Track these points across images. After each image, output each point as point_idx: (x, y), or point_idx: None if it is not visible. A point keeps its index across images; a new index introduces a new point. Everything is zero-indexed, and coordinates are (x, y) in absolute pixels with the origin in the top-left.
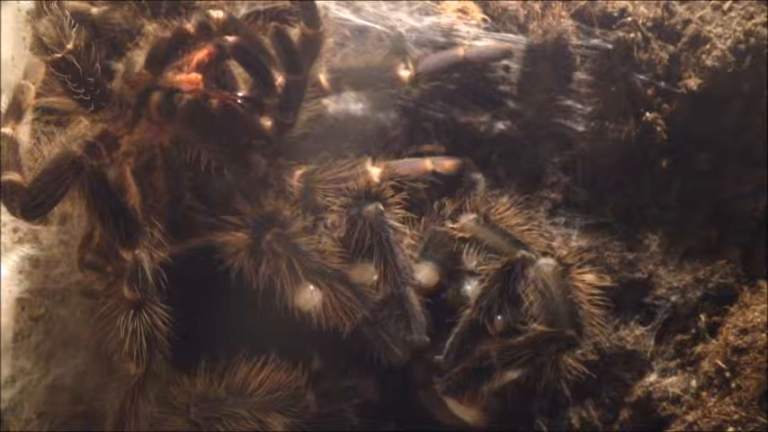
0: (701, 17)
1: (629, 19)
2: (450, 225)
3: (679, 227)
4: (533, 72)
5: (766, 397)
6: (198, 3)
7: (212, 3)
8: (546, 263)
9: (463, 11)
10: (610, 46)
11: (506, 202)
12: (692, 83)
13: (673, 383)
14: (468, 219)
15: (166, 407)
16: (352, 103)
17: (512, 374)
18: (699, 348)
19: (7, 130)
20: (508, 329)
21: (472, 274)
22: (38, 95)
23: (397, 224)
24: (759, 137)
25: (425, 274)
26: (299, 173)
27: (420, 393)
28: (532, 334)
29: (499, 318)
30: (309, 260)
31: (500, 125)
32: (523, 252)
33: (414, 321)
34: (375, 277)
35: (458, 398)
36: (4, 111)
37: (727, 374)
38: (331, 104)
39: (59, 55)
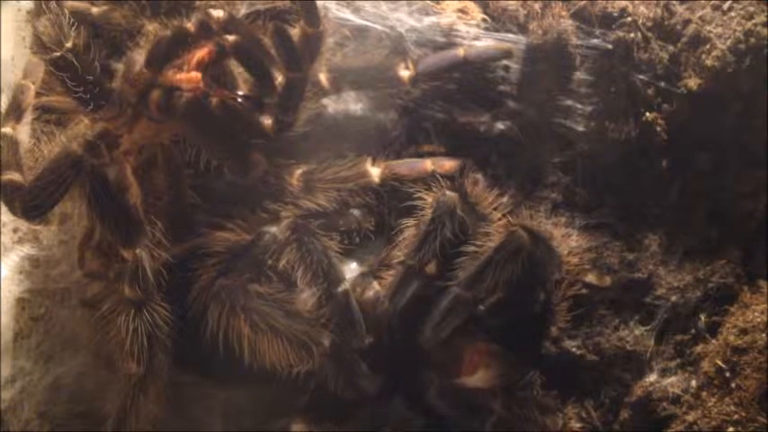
0: (700, 17)
1: (629, 19)
2: None
3: (679, 227)
4: (533, 72)
5: (766, 397)
6: (198, 3)
7: (212, 2)
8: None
9: (463, 11)
10: (610, 46)
11: None
12: (692, 83)
13: (673, 383)
14: None
15: None
16: (352, 103)
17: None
18: (699, 348)
19: (7, 129)
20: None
21: None
22: (38, 95)
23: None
24: (759, 137)
25: None
26: (298, 172)
27: (431, 396)
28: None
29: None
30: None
31: (500, 125)
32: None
33: (354, 324)
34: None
35: (460, 371)
36: (4, 111)
37: (727, 374)
38: (331, 104)
39: (58, 53)
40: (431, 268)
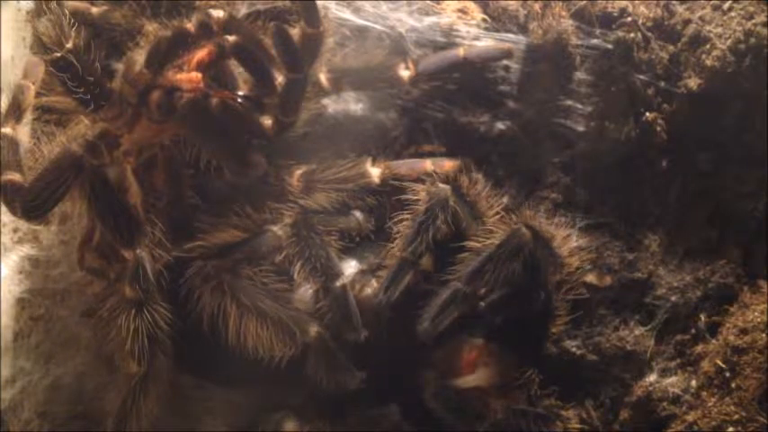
0: (700, 17)
1: (629, 19)
2: None
3: (679, 227)
4: (533, 72)
5: (766, 397)
6: (198, 3)
7: (212, 3)
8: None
9: (463, 11)
10: (610, 46)
11: None
12: (692, 83)
13: (673, 383)
14: None
15: None
16: (352, 103)
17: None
18: (699, 348)
19: (7, 129)
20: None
21: None
22: (38, 95)
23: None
24: (759, 137)
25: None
26: (298, 172)
27: (429, 398)
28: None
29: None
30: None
31: (500, 125)
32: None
33: (351, 318)
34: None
35: (458, 371)
36: (4, 111)
37: (727, 374)
38: (331, 104)
39: (59, 54)
40: (426, 263)
